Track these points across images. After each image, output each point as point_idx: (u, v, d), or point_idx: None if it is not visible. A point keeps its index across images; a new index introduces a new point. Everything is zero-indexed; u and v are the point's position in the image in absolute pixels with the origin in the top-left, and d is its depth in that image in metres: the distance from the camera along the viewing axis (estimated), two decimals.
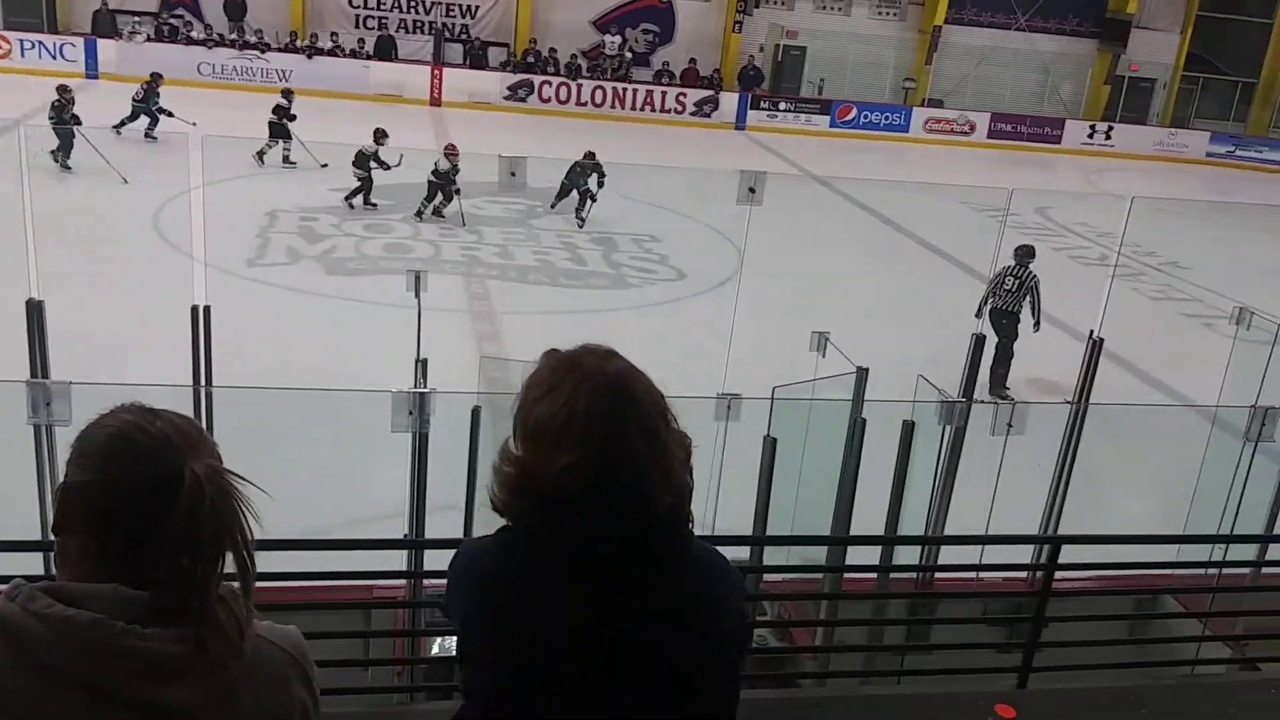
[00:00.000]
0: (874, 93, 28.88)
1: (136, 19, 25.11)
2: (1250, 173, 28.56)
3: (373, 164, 15.03)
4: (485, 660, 1.62)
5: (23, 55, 23.90)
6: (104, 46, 24.33)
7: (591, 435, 1.57)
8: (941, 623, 5.62)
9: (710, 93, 27.37)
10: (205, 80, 24.13)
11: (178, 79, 22.30)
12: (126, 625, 1.29)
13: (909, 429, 5.48)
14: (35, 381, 4.51)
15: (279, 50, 25.35)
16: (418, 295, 5.44)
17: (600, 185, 15.10)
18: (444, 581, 1.81)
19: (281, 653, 1.46)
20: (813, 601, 5.77)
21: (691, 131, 25.97)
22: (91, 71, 24.09)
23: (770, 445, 5.30)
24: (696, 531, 1.75)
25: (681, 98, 27.24)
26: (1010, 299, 10.61)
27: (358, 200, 15.29)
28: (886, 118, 28.12)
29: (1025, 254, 10.74)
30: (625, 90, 27.01)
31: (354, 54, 26.02)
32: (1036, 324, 10.52)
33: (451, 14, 27.48)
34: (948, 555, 6.02)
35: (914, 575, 6.03)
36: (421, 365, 4.83)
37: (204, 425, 5.21)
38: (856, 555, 5.64)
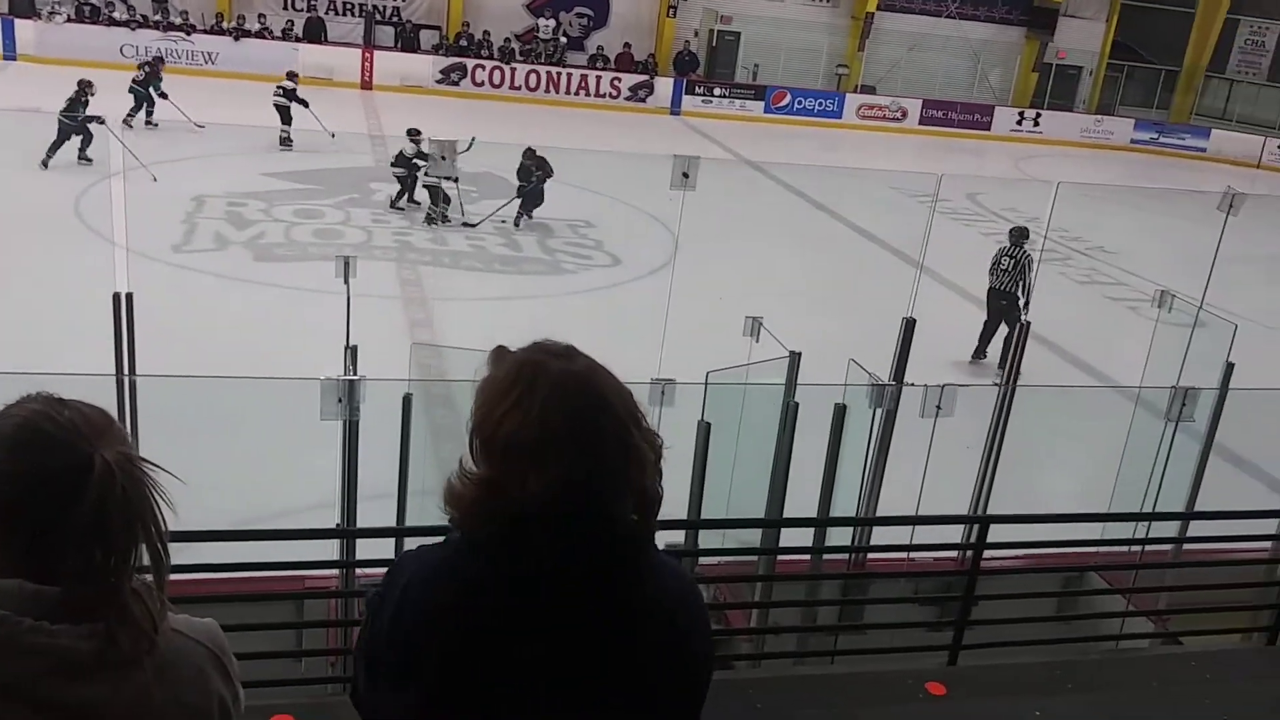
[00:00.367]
0: (808, 79, 29.05)
1: None
2: (1173, 159, 29.20)
3: (416, 162, 14.77)
4: (427, 679, 1.51)
5: None
6: (22, 27, 23.64)
7: (569, 449, 1.47)
8: (874, 603, 5.70)
9: (645, 78, 27.32)
10: (129, 63, 23.40)
11: (99, 61, 21.74)
12: (34, 622, 1.25)
13: (840, 412, 5.53)
14: None
15: (205, 32, 24.81)
16: (347, 281, 5.35)
17: (543, 180, 14.69)
18: (376, 571, 1.73)
19: (198, 647, 1.42)
20: (748, 584, 5.81)
21: (626, 116, 25.92)
22: (9, 53, 23.41)
23: (704, 430, 5.32)
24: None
25: (616, 83, 27.16)
26: (1007, 279, 10.85)
27: (403, 201, 15.06)
28: (820, 104, 28.30)
29: (1020, 235, 11.00)
30: (559, 75, 26.86)
31: (283, 36, 25.53)
32: (1025, 303, 10.70)
33: None
34: (880, 536, 6.10)
35: (847, 556, 6.10)
36: (351, 352, 4.77)
37: (128, 415, 5.09)
38: (790, 537, 5.69)
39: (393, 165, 15.01)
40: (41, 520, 1.28)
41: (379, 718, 1.59)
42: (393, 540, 4.52)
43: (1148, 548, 6.45)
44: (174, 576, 1.38)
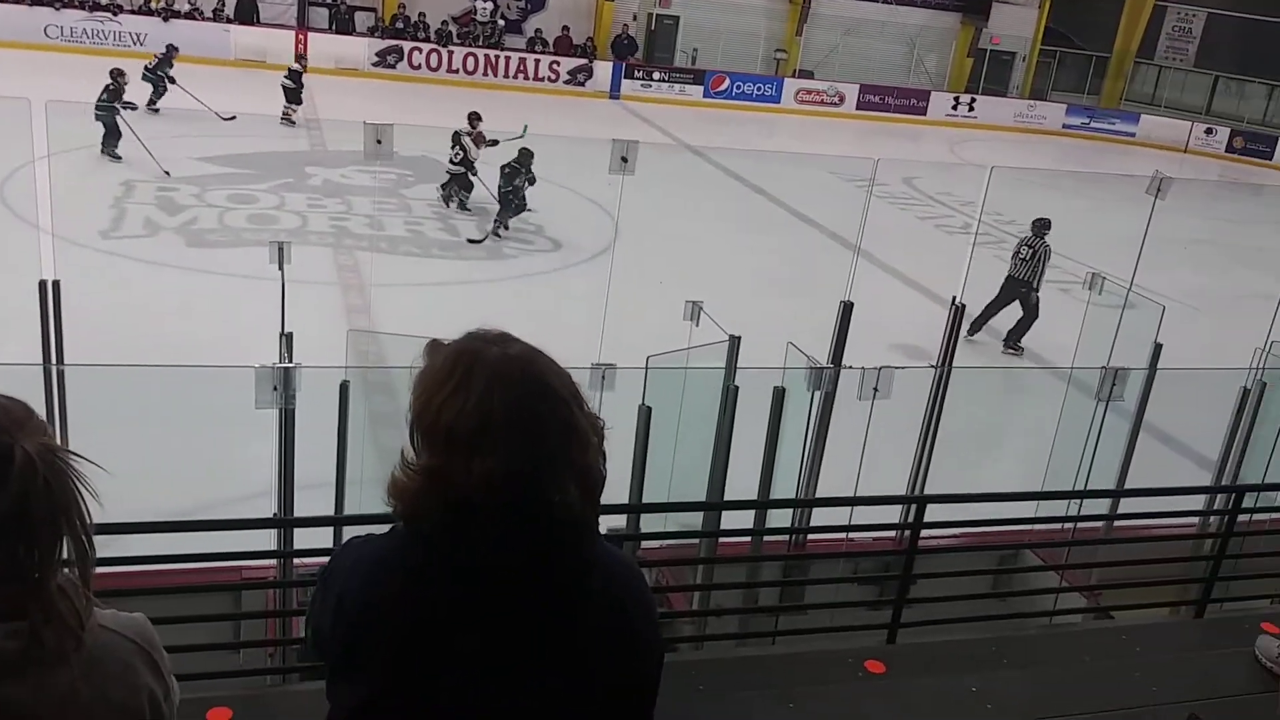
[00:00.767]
0: (746, 63, 29.12)
1: None
2: (1104, 144, 29.76)
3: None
4: (374, 671, 1.52)
5: None
6: None
7: (512, 434, 1.46)
8: (814, 583, 5.77)
9: (584, 61, 27.20)
10: (53, 43, 22.91)
11: (22, 42, 21.17)
12: None
13: (779, 395, 5.57)
14: None
15: (132, 13, 24.20)
16: (281, 268, 5.27)
17: (530, 184, 13.86)
18: (314, 560, 1.72)
19: (126, 642, 1.39)
20: (690, 567, 5.84)
21: (566, 100, 25.79)
22: None
23: (645, 414, 5.32)
24: None
25: (555, 66, 27.01)
26: (1025, 268, 11.47)
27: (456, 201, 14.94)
28: (759, 88, 28.40)
29: (1042, 226, 11.58)
30: (498, 58, 26.65)
31: (214, 17, 25.01)
32: (1036, 288, 11.39)
33: None
34: (819, 517, 6.16)
35: (787, 538, 6.16)
36: (287, 339, 4.70)
37: (57, 406, 4.97)
38: (731, 520, 5.72)
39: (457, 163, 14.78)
40: None
41: (336, 706, 1.59)
42: (331, 529, 4.48)
43: (1080, 525, 6.58)
44: (108, 570, 1.35)
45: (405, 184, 15.06)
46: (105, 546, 4.11)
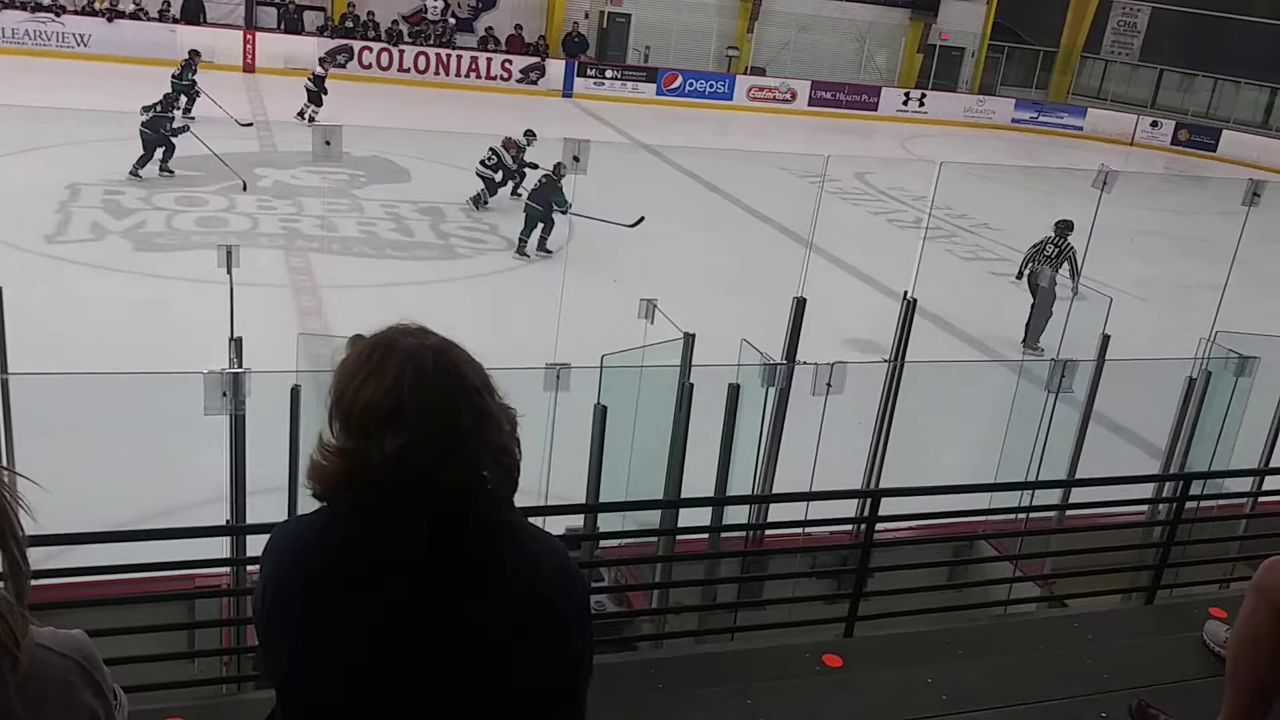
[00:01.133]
0: (698, 60, 29.17)
1: None
2: (1052, 137, 30.14)
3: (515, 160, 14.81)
4: (293, 647, 1.57)
5: None
6: None
7: (423, 414, 1.53)
8: (772, 579, 5.78)
9: (536, 60, 27.11)
10: None
11: None
12: None
13: (734, 392, 5.59)
14: None
15: (75, 13, 23.78)
16: (229, 271, 5.21)
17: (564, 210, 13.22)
18: None
19: (65, 660, 1.36)
20: (649, 565, 5.84)
21: (518, 99, 25.69)
22: None
23: (601, 413, 5.32)
24: (530, 502, 1.72)
25: (507, 65, 26.90)
26: (1050, 265, 11.75)
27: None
28: (711, 86, 28.46)
29: (1065, 227, 11.90)
30: (449, 57, 26.49)
31: (159, 17, 24.64)
32: (1075, 289, 11.47)
33: None
34: (776, 513, 6.19)
35: (744, 534, 6.18)
36: (236, 344, 4.64)
37: (0, 416, 4.86)
38: (689, 517, 5.73)
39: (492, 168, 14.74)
40: None
41: (270, 683, 1.65)
42: None
43: (1033, 515, 6.67)
44: (57, 582, 1.32)
45: (358, 184, 14.93)
46: (54, 558, 4.05)
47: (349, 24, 26.14)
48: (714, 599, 5.87)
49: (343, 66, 25.41)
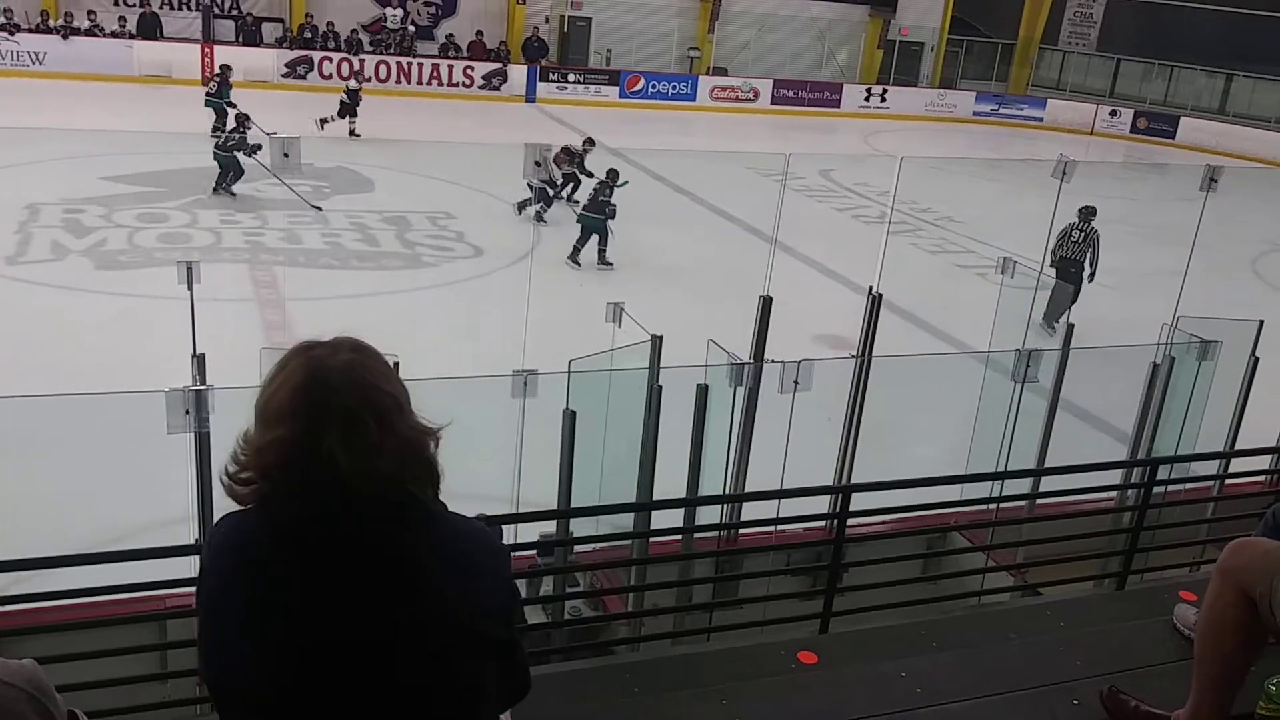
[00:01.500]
0: (660, 62, 29.22)
1: None
2: (1012, 129, 30.40)
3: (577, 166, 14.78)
4: (216, 638, 1.71)
5: None
6: None
7: (298, 408, 1.64)
8: (747, 578, 5.78)
9: (498, 65, 27.06)
10: None
11: None
12: None
13: (703, 392, 5.59)
14: None
15: (30, 31, 23.54)
16: (190, 288, 5.15)
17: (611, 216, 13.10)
18: None
19: (12, 690, 1.35)
20: (623, 569, 5.83)
21: (481, 105, 25.64)
22: None
23: (570, 418, 5.31)
24: (502, 509, 1.78)
25: (469, 71, 26.84)
26: (1077, 250, 12.35)
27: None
28: (674, 87, 28.51)
29: (1089, 213, 12.39)
30: (410, 65, 26.40)
31: (115, 34, 24.41)
32: (1092, 274, 12.26)
33: None
34: (749, 512, 6.19)
35: (717, 534, 6.17)
36: (199, 361, 4.59)
37: None
38: (662, 519, 5.72)
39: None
40: None
41: (205, 677, 1.78)
42: None
43: (1004, 505, 6.71)
44: (23, 607, 1.30)
45: (321, 195, 14.84)
46: (19, 583, 3.98)
47: (307, 35, 26.00)
48: (689, 600, 5.86)
49: (303, 78, 25.29)
